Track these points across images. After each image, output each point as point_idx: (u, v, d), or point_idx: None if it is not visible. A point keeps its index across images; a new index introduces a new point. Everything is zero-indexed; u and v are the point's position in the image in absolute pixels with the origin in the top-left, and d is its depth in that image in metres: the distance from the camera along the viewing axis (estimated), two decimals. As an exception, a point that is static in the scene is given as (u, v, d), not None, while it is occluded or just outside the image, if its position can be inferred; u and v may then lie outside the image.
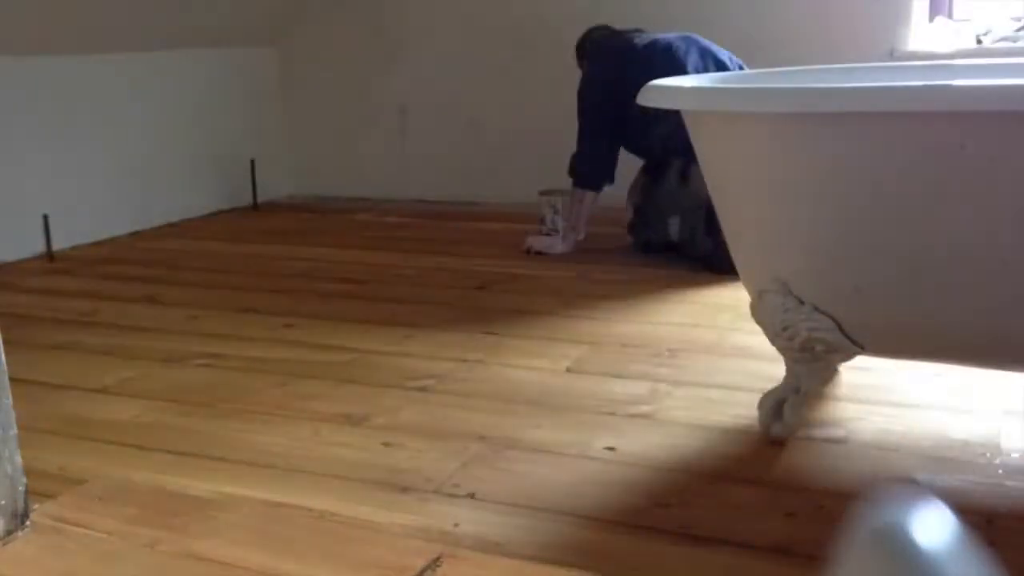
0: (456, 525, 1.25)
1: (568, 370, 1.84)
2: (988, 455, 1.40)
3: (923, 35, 3.10)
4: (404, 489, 1.36)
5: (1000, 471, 1.36)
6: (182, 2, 3.39)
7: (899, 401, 1.62)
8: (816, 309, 1.38)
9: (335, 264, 2.82)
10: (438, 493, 1.34)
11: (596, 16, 3.46)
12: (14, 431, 1.26)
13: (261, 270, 2.78)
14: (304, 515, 1.29)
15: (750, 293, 1.51)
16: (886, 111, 1.24)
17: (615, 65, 2.75)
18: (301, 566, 1.15)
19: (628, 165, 2.85)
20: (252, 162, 3.81)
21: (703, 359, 1.87)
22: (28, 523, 1.27)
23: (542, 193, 2.94)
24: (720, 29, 3.26)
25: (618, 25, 3.09)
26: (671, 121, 2.44)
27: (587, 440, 1.50)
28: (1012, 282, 1.25)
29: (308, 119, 4.03)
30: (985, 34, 3.05)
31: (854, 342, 1.39)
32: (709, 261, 2.47)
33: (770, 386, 1.52)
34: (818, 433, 1.50)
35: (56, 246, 3.03)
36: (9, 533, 1.24)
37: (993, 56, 2.89)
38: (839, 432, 1.50)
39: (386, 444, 1.52)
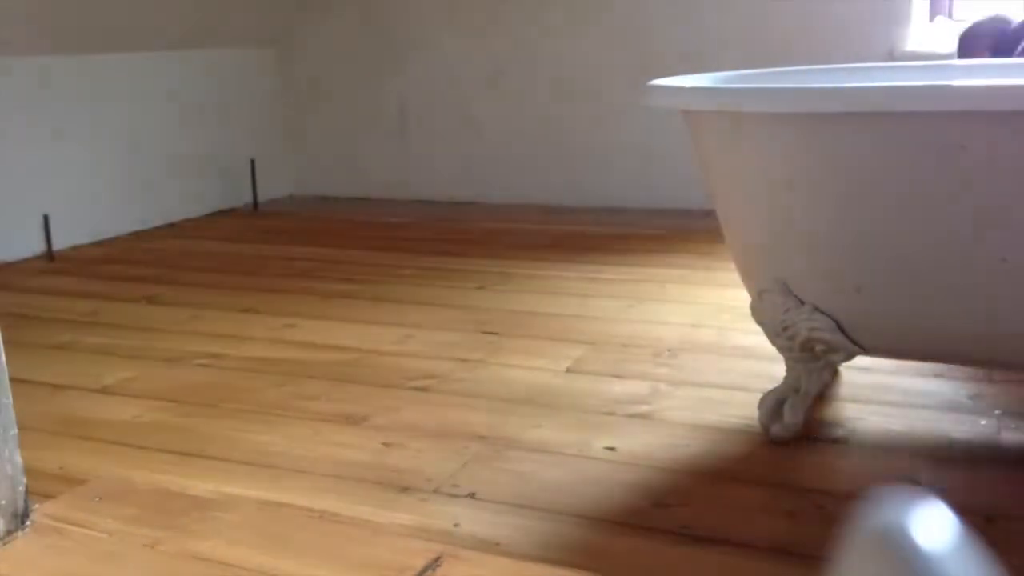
0: (456, 525, 1.25)
1: (568, 370, 1.84)
2: (987, 455, 1.40)
3: (923, 35, 3.10)
4: (404, 489, 1.36)
5: (1000, 471, 1.36)
6: (182, 2, 3.39)
7: (899, 401, 1.62)
8: (816, 309, 1.38)
9: (335, 264, 2.82)
10: (438, 493, 1.34)
11: (598, 16, 3.46)
12: (14, 431, 1.26)
13: (261, 270, 2.78)
14: (304, 515, 1.29)
15: (750, 293, 1.51)
16: (886, 111, 1.24)
17: None
18: (301, 566, 1.15)
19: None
20: (252, 162, 3.81)
21: (703, 359, 1.87)
22: (28, 523, 1.27)
23: None
24: (720, 29, 3.26)
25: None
26: None
27: (587, 440, 1.50)
28: (1012, 282, 1.25)
29: (308, 119, 4.04)
30: (985, 34, 3.04)
31: (854, 342, 1.39)
32: None
33: (770, 386, 1.52)
34: (818, 433, 1.50)
35: (56, 246, 3.03)
36: (9, 533, 1.24)
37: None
38: (839, 432, 1.51)
39: (386, 444, 1.52)
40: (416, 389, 1.76)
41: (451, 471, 1.41)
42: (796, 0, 3.18)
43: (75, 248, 3.12)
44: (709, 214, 1.72)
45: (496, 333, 2.08)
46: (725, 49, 3.22)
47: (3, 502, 1.24)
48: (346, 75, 3.94)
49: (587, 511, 1.28)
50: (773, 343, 1.48)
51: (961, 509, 0.44)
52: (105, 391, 1.81)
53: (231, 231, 3.41)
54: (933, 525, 0.39)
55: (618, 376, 1.79)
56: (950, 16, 3.16)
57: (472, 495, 1.33)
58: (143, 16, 3.29)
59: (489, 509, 1.29)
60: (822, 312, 1.37)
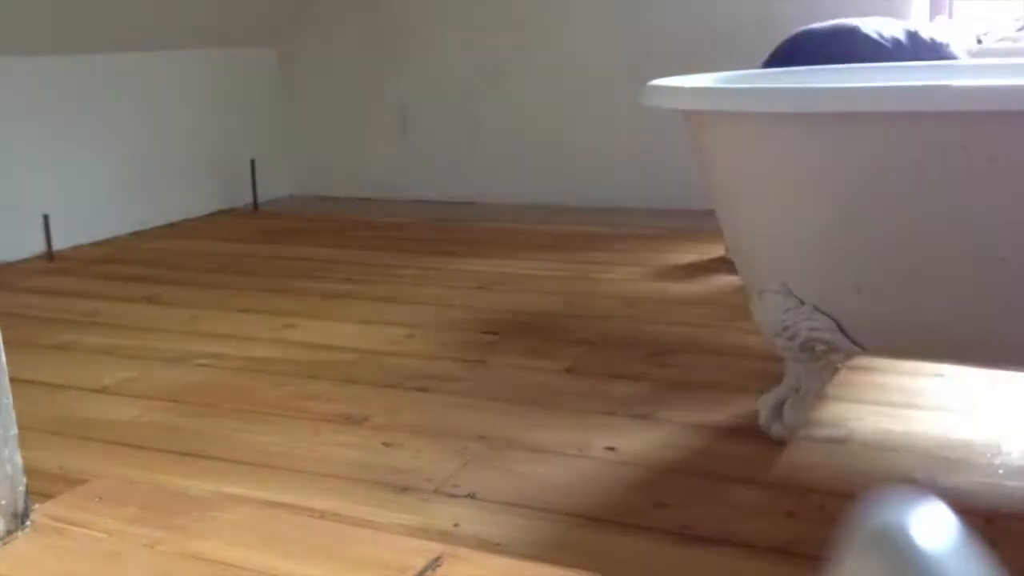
0: (456, 525, 1.25)
1: (568, 370, 1.84)
2: (989, 455, 1.40)
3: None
4: (404, 489, 1.36)
5: (1000, 471, 1.36)
6: (182, 2, 3.39)
7: (899, 401, 1.62)
8: (816, 309, 1.37)
9: (335, 264, 2.82)
10: (438, 493, 1.34)
11: (598, 16, 3.46)
12: (14, 431, 1.26)
13: (261, 270, 2.78)
14: (304, 515, 1.29)
15: (750, 293, 1.51)
16: (886, 111, 1.24)
17: None
18: (301, 566, 1.15)
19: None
20: (252, 162, 3.81)
21: (703, 359, 1.87)
22: (28, 523, 1.27)
23: None
24: (721, 30, 3.26)
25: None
26: None
27: (587, 440, 1.50)
28: (1012, 282, 1.25)
29: (308, 119, 4.03)
30: (985, 34, 3.05)
31: (854, 342, 1.39)
32: None
33: (770, 386, 1.52)
34: (818, 433, 1.50)
35: (56, 246, 3.03)
36: (9, 533, 1.24)
37: (993, 56, 2.89)
38: (839, 432, 1.50)
39: (386, 444, 1.52)
40: (416, 389, 1.76)
41: (451, 471, 1.41)
42: (796, 0, 3.18)
43: (75, 248, 3.12)
44: (709, 214, 1.72)
45: (496, 333, 2.08)
46: (725, 49, 3.22)
47: (3, 502, 1.23)
48: (346, 75, 3.94)
49: (587, 511, 1.28)
50: (773, 343, 1.48)
51: (961, 509, 0.44)
52: (105, 391, 1.81)
53: (231, 231, 3.41)
54: (933, 525, 0.39)
55: (618, 376, 1.79)
56: (950, 16, 3.16)
57: (472, 495, 1.33)
58: (143, 16, 3.29)
59: (489, 509, 1.29)
60: (822, 312, 1.37)
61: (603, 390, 1.72)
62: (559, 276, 2.58)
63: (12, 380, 1.26)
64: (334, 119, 3.99)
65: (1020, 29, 3.04)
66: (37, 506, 1.31)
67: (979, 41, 3.04)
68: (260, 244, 3.17)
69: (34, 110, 3.03)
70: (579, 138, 3.56)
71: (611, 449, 1.47)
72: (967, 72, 1.82)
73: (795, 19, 3.16)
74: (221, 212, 3.72)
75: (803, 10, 3.16)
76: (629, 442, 1.49)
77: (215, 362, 1.95)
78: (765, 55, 2.61)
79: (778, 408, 1.47)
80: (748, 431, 1.51)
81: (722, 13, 3.26)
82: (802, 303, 1.38)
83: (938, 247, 1.27)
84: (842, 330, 1.38)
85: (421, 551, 1.18)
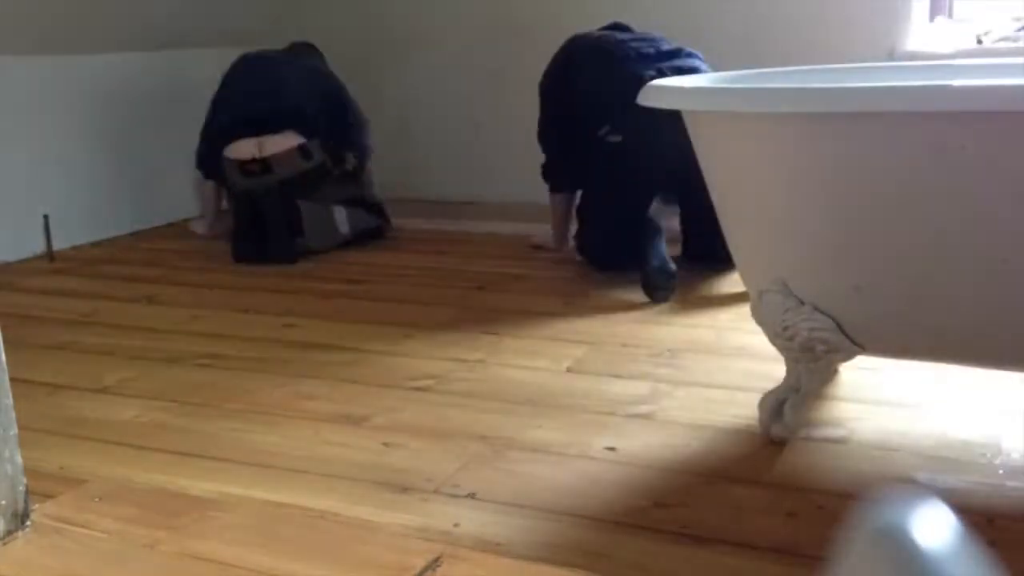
0: (456, 525, 1.25)
1: (568, 370, 1.84)
2: (988, 455, 1.40)
3: (923, 35, 3.10)
4: (404, 489, 1.36)
5: (1000, 471, 1.36)
6: (183, 2, 3.39)
7: (899, 401, 1.62)
8: (816, 309, 1.38)
9: (335, 264, 2.82)
10: (438, 493, 1.34)
11: (596, 15, 3.46)
12: (14, 431, 1.26)
13: (261, 270, 2.78)
14: (304, 515, 1.29)
15: (750, 293, 1.51)
16: (886, 111, 1.24)
17: (558, 62, 2.91)
18: (301, 566, 1.15)
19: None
20: (252, 162, 3.80)
21: (703, 359, 1.87)
22: (28, 523, 1.27)
23: None
24: (720, 29, 3.27)
25: (616, 23, 3.09)
26: None
27: (587, 440, 1.50)
28: (1012, 282, 1.25)
29: (308, 119, 4.03)
30: (985, 34, 3.05)
31: (854, 342, 1.39)
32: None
33: (770, 386, 1.52)
34: (818, 433, 1.50)
35: (56, 246, 3.03)
36: (9, 533, 1.24)
37: (993, 56, 2.89)
38: (839, 432, 1.50)
39: (386, 444, 1.52)
40: (416, 389, 1.76)
41: (451, 471, 1.41)
42: (796, 0, 3.18)
43: (75, 248, 3.12)
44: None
45: (496, 333, 2.08)
46: (725, 49, 3.22)
47: (3, 502, 1.24)
48: (346, 75, 3.94)
49: (587, 511, 1.28)
50: (773, 343, 1.48)
51: (961, 509, 0.44)
52: (105, 391, 1.81)
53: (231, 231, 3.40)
54: (933, 525, 0.39)
55: (618, 376, 1.79)
56: (950, 16, 3.16)
57: (472, 495, 1.33)
58: (143, 16, 3.29)
59: (489, 509, 1.29)
60: (822, 312, 1.37)
61: (603, 390, 1.72)
62: (559, 276, 2.58)
63: (12, 380, 1.26)
64: (334, 119, 3.99)
65: (1020, 29, 3.04)
66: (37, 506, 1.31)
67: (979, 41, 3.04)
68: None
69: (34, 110, 3.03)
70: (579, 138, 3.55)
71: (611, 449, 1.47)
72: (967, 72, 1.82)
73: (792, 21, 3.17)
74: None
75: (799, 12, 3.17)
76: (629, 442, 1.49)
77: (215, 362, 1.95)
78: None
79: (778, 408, 1.47)
80: (748, 431, 1.51)
81: (721, 14, 3.26)
82: (802, 303, 1.39)
83: (938, 247, 1.27)
84: (842, 330, 1.38)
85: (421, 551, 1.18)
